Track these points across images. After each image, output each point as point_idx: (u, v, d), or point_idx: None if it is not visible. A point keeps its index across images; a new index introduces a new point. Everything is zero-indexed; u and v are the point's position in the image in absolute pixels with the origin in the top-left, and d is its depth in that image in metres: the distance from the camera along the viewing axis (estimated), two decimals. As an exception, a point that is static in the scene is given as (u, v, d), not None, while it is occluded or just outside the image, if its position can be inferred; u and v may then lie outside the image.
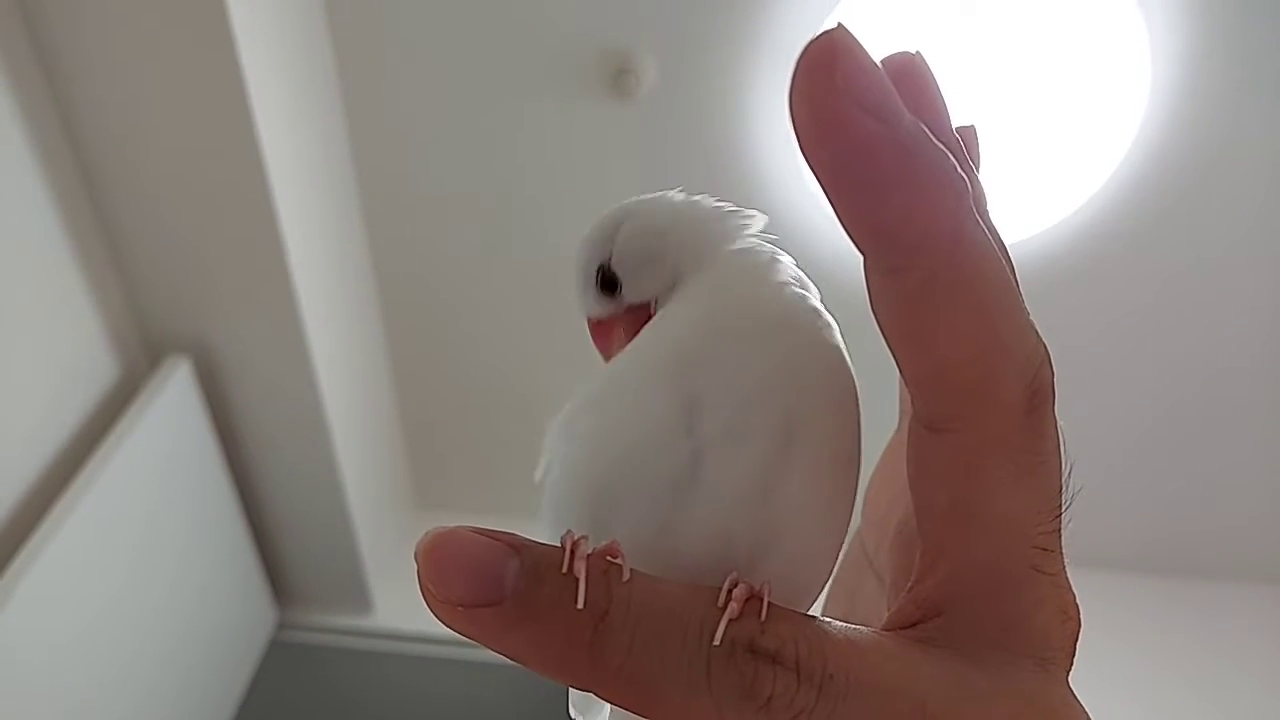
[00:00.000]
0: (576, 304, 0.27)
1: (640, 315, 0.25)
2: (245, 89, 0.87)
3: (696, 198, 0.26)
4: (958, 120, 0.21)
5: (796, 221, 1.05)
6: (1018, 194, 1.05)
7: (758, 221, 0.25)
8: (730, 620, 0.17)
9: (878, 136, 0.15)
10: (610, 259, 0.26)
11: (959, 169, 0.16)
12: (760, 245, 0.25)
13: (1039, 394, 0.17)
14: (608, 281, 0.26)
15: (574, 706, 0.25)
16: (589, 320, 0.27)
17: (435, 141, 1.12)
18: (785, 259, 0.24)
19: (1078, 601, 0.19)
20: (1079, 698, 0.19)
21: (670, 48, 1.01)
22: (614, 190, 1.16)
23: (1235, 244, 1.10)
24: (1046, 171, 1.04)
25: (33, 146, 0.89)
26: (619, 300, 0.26)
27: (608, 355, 0.26)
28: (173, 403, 1.03)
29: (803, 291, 0.23)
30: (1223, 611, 1.34)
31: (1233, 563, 1.36)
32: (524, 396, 1.25)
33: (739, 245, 0.25)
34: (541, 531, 0.21)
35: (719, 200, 0.26)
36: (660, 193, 0.26)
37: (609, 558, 0.17)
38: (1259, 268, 1.11)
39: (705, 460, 0.20)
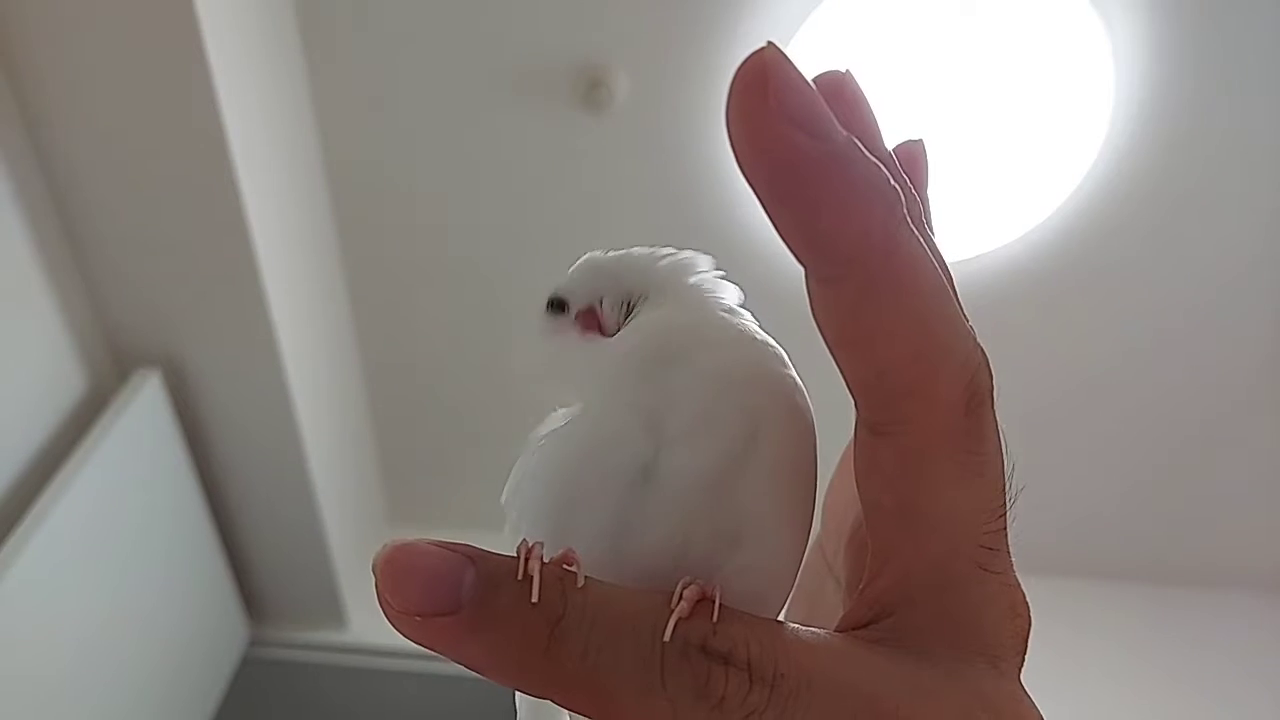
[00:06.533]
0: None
1: (589, 318, 0.26)
2: (216, 98, 0.87)
3: (646, 247, 0.27)
4: (906, 135, 0.22)
5: (768, 234, 1.05)
6: (990, 206, 1.07)
7: (705, 261, 0.26)
8: (682, 620, 0.17)
9: (810, 151, 0.16)
10: (560, 290, 0.27)
11: (890, 181, 0.17)
12: (716, 283, 0.25)
13: (977, 395, 0.18)
14: (555, 303, 0.27)
15: None
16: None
17: (409, 154, 1.12)
18: (734, 298, 0.25)
19: (1028, 599, 0.19)
20: (1031, 696, 0.19)
21: (643, 62, 1.02)
22: (586, 203, 1.15)
23: (1214, 249, 1.12)
24: (1017, 184, 1.06)
25: (-1, 159, 0.88)
26: (567, 316, 0.27)
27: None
28: (143, 416, 1.02)
29: (764, 337, 0.24)
30: (1213, 619, 1.36)
31: (1222, 572, 1.38)
32: (497, 410, 1.25)
33: (695, 280, 0.25)
34: (507, 546, 0.21)
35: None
36: None
37: (564, 565, 0.18)
38: (1241, 269, 1.13)
39: (663, 458, 0.21)
